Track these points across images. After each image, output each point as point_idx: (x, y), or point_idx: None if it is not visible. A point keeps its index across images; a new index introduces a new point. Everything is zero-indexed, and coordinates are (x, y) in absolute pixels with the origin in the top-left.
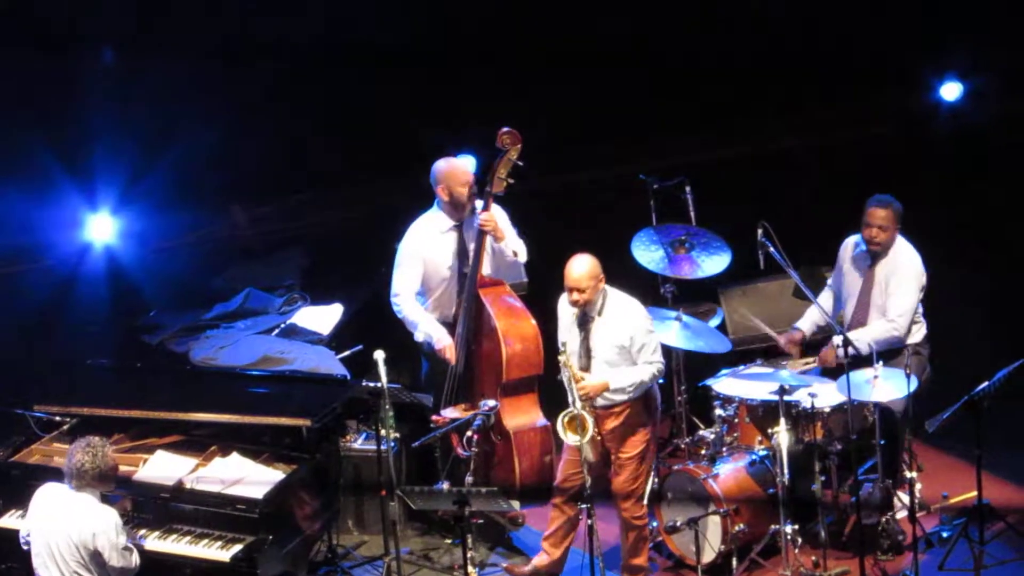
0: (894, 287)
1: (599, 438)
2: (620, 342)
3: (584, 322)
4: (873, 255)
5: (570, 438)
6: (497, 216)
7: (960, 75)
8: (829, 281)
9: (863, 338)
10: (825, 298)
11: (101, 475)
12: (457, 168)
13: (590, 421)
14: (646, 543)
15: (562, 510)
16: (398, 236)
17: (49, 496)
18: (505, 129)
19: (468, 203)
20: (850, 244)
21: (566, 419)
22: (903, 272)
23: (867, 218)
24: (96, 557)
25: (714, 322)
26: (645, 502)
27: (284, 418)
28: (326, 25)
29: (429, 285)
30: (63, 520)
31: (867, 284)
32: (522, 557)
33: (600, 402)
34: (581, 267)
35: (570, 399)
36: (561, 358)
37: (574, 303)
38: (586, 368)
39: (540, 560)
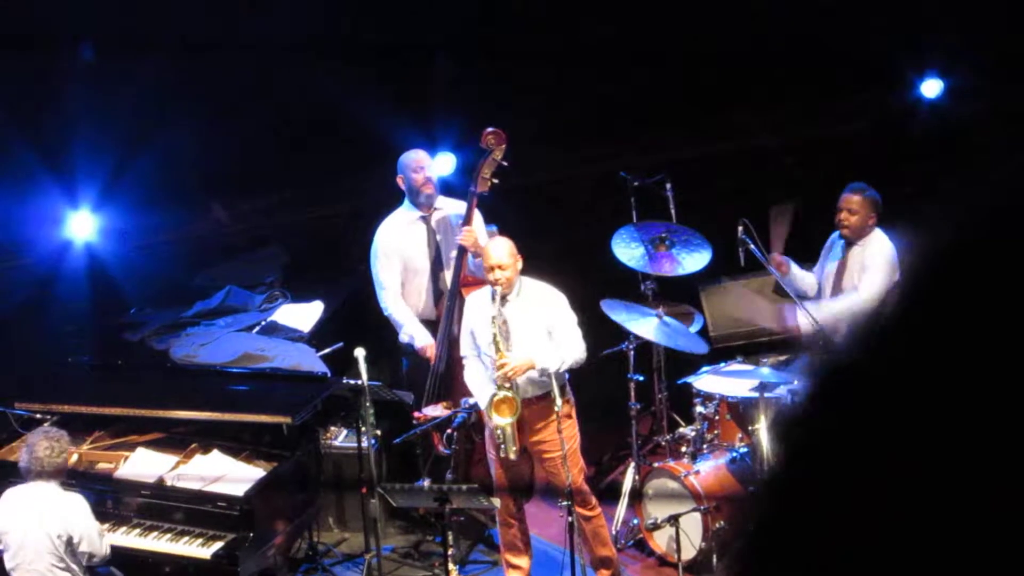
0: (865, 273)
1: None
2: (543, 321)
3: (501, 306)
4: (846, 242)
5: (498, 420)
6: (476, 224)
7: (940, 72)
8: (813, 269)
9: (827, 311)
10: (810, 280)
11: (61, 465)
12: (411, 155)
13: (518, 401)
14: (604, 529)
15: (509, 523)
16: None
17: (13, 499)
18: (490, 129)
19: (426, 187)
20: (831, 241)
21: (495, 400)
22: (876, 258)
23: (840, 203)
24: (71, 546)
25: (694, 327)
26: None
27: (265, 415)
28: (306, 22)
29: (408, 280)
30: (37, 517)
31: (840, 269)
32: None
33: (525, 391)
34: (501, 245)
35: (493, 383)
36: (489, 333)
37: (495, 282)
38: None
39: None
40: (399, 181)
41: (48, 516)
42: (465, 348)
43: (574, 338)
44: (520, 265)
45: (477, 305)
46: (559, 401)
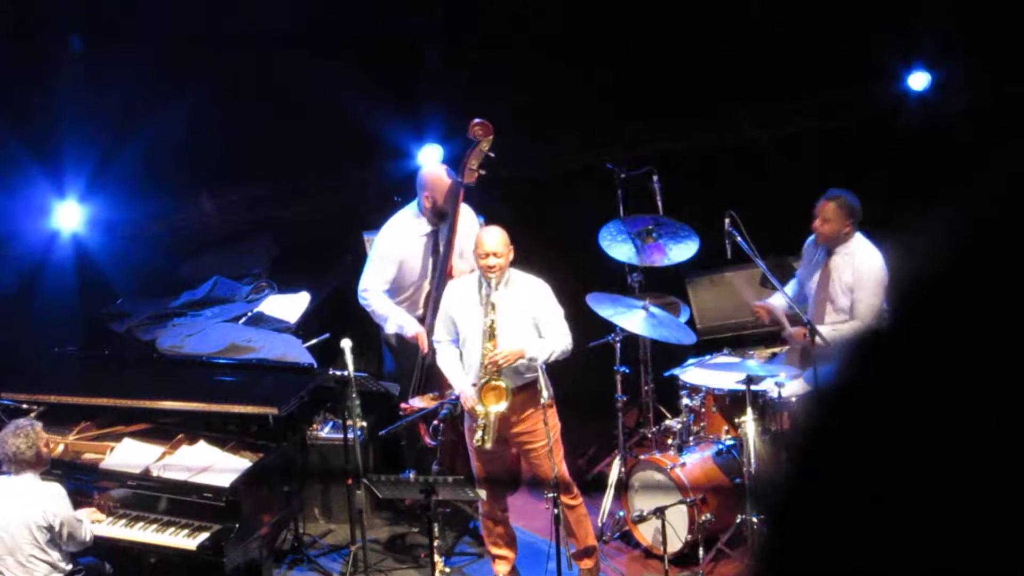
0: (858, 292)
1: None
2: (531, 311)
3: (488, 296)
4: (826, 250)
5: (493, 408)
6: (464, 216)
7: (928, 64)
8: (799, 271)
9: (831, 335)
10: (791, 288)
11: (38, 456)
12: (446, 180)
13: (507, 389)
14: (587, 519)
15: (492, 517)
16: (363, 225)
17: None
18: (477, 120)
19: (450, 213)
20: (810, 242)
21: (485, 388)
22: (865, 276)
23: (815, 209)
24: (52, 535)
25: (682, 318)
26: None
27: (251, 406)
28: (295, 13)
29: (401, 284)
30: (12, 507)
31: (823, 280)
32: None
33: (509, 383)
34: (495, 234)
35: (477, 374)
36: (483, 321)
37: (490, 268)
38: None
39: (504, 568)
40: (424, 199)
41: (28, 507)
42: (440, 334)
43: (561, 329)
44: (512, 255)
45: (459, 292)
46: (545, 392)
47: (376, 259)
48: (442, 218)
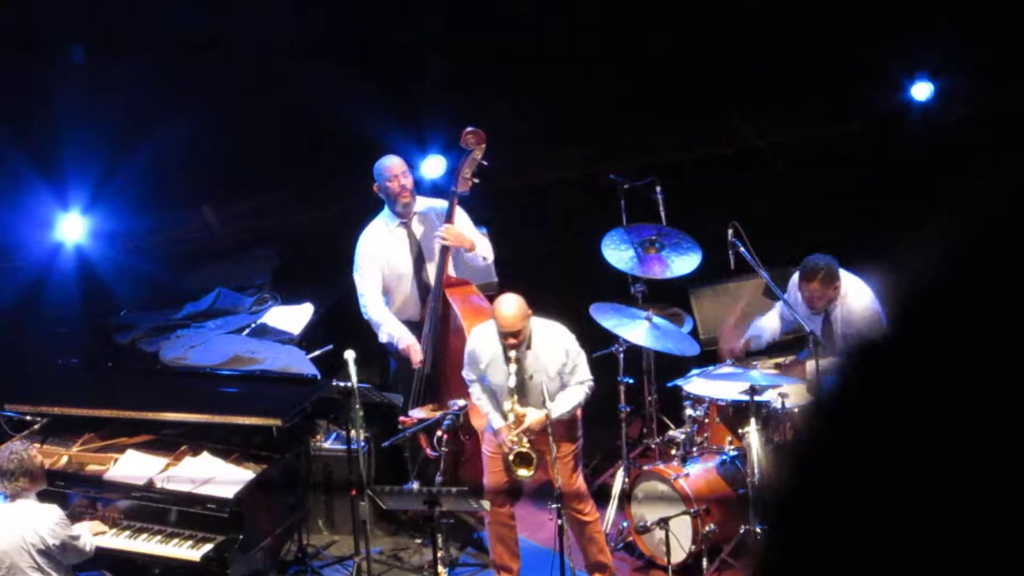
0: (851, 331)
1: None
2: (555, 369)
3: (512, 356)
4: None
5: (523, 473)
6: (460, 222)
7: (931, 74)
8: (777, 305)
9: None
10: (770, 318)
11: (31, 476)
12: (386, 164)
13: (535, 455)
14: (601, 535)
15: (501, 525)
16: None
17: None
18: (469, 129)
19: (403, 197)
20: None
21: (513, 458)
22: (857, 317)
23: (802, 292)
24: (48, 555)
25: (685, 329)
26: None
27: (254, 418)
28: (297, 23)
29: (387, 285)
30: (11, 533)
31: (827, 331)
32: None
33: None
34: (513, 309)
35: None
36: (507, 405)
37: (513, 347)
38: (521, 400)
39: None
40: (376, 190)
41: (26, 532)
42: (469, 373)
43: (582, 377)
44: (530, 321)
45: (484, 343)
46: (548, 403)
47: (359, 266)
48: (397, 203)
